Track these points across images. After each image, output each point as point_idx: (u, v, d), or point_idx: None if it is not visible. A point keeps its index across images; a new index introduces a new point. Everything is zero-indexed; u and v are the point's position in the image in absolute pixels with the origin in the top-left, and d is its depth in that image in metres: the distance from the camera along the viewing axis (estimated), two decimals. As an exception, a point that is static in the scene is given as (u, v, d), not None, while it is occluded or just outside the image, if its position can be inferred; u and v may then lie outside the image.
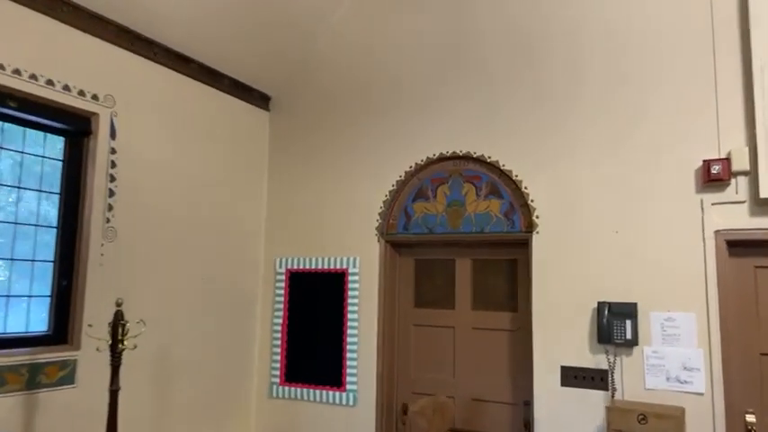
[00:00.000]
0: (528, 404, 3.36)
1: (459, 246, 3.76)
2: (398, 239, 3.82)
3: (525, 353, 3.42)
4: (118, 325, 2.52)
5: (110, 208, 3.10)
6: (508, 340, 3.57)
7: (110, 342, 2.51)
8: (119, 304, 2.54)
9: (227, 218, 3.94)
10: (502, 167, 3.52)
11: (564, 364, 3.22)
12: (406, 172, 3.80)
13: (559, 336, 3.25)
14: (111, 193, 3.11)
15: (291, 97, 4.29)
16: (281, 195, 4.24)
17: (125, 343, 2.53)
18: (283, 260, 4.13)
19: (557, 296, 3.28)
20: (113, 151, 3.13)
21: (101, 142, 3.07)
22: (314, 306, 3.98)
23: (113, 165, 3.13)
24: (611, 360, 3.10)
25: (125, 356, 2.55)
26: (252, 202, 4.19)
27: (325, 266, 3.97)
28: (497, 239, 3.54)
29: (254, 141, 4.24)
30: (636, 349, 3.07)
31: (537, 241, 3.38)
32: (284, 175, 4.25)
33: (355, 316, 3.82)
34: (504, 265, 3.65)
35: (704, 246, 2.98)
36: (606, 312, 3.09)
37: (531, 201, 3.42)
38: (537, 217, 3.40)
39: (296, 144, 4.23)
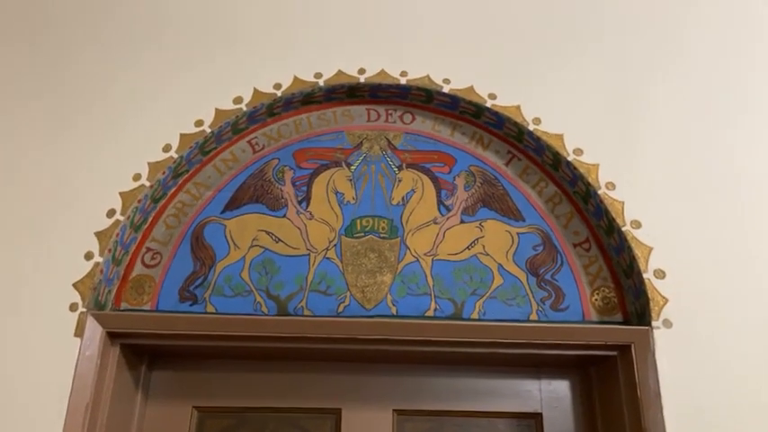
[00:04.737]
0: None
1: (365, 363, 1.15)
2: (156, 330, 1.04)
3: None
4: None
5: None
6: None
7: None
8: None
9: None
10: (529, 127, 1.17)
11: None
12: (219, 111, 1.19)
13: None
14: None
15: None
16: None
17: None
18: None
19: None
20: None
21: None
22: None
23: None
24: None
25: None
26: None
27: None
28: (503, 346, 1.04)
29: None
30: None
31: (665, 359, 0.99)
32: None
33: None
34: (507, 436, 1.14)
35: None
36: None
37: (632, 226, 1.09)
38: (660, 276, 1.05)
39: None
